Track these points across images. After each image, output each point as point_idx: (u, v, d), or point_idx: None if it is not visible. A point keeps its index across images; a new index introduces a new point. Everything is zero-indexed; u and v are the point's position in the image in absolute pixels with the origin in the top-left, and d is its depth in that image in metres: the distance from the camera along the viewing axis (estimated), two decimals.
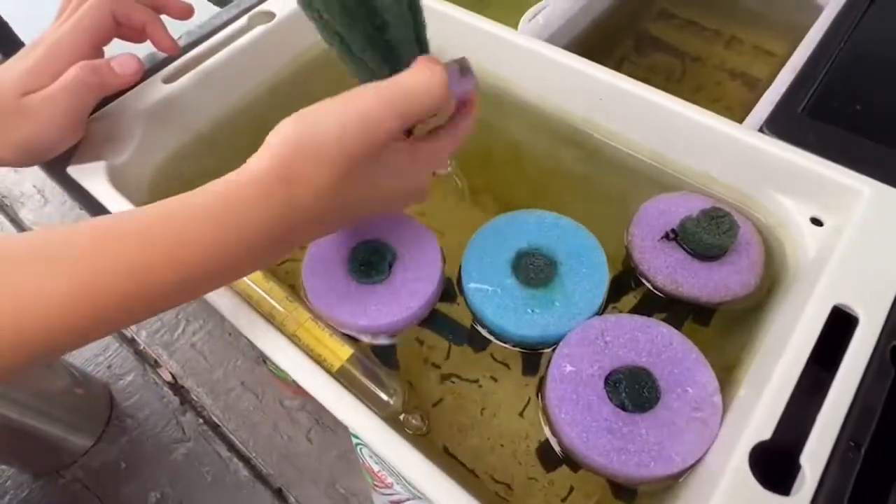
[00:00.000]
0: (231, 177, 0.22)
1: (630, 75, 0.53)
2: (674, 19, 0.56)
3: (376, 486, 0.36)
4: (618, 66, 0.53)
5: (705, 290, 0.28)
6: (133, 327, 0.51)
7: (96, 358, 0.51)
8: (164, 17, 0.34)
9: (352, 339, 0.29)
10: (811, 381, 0.22)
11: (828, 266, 0.25)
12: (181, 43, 0.37)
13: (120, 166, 0.31)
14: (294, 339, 0.27)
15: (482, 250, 0.30)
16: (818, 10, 0.49)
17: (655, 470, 0.22)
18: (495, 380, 0.31)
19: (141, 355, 0.51)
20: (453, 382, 0.30)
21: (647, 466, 0.22)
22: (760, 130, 0.30)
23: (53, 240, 0.20)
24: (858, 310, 0.23)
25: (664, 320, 0.27)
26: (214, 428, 0.46)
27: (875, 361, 0.22)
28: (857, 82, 0.34)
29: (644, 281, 0.30)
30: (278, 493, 0.43)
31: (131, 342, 0.52)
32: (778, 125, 0.29)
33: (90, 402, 0.47)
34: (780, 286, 0.28)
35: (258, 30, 0.37)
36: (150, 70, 0.35)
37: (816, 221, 0.28)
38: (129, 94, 0.34)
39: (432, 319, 0.30)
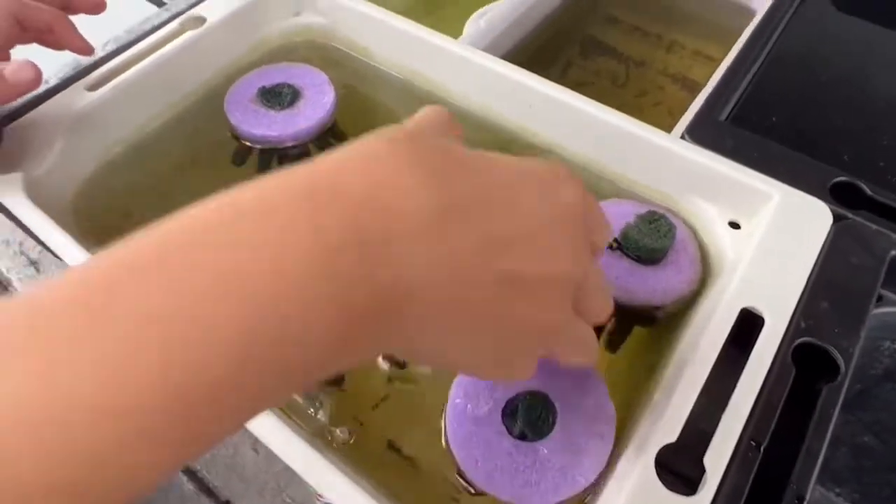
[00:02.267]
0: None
1: (576, 79, 0.54)
2: (618, 24, 0.57)
3: (318, 495, 0.36)
4: (564, 71, 0.54)
5: (656, 293, 0.28)
6: None
7: None
8: (91, 21, 0.33)
9: None
10: (719, 383, 0.22)
11: (739, 269, 0.25)
12: (108, 48, 0.36)
13: (39, 178, 0.31)
14: None
15: None
16: (753, 16, 0.50)
17: (562, 494, 0.22)
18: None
19: None
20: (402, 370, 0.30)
21: (556, 492, 0.22)
22: (682, 137, 0.31)
23: None
24: (764, 311, 0.24)
25: (614, 330, 0.28)
26: None
27: (778, 362, 0.23)
28: (778, 90, 0.35)
29: None
30: None
31: None
32: (698, 132, 0.30)
33: None
34: (702, 288, 0.29)
35: (188, 35, 0.36)
36: (73, 77, 0.34)
37: (734, 225, 0.29)
38: (50, 101, 0.33)
39: None
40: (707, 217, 0.30)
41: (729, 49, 0.52)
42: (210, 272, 0.12)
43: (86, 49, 0.32)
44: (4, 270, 0.56)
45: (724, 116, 0.32)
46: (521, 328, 0.16)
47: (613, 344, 0.29)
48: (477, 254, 0.14)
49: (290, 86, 0.38)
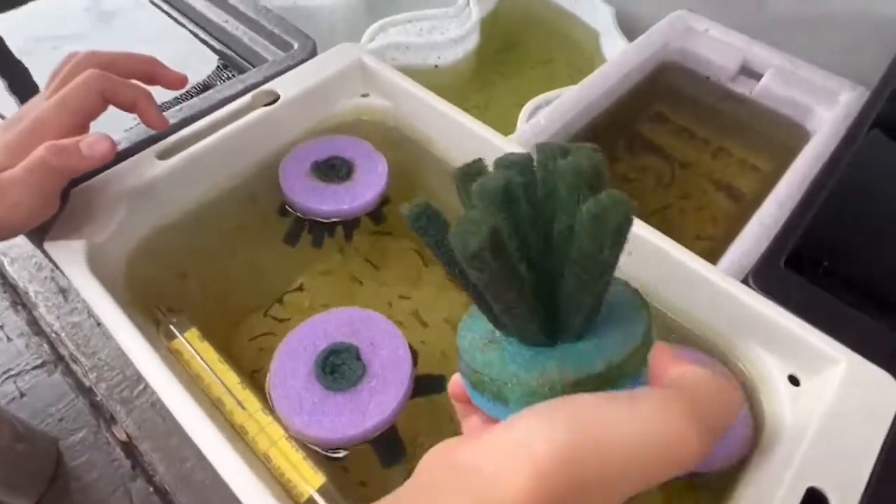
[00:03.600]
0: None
1: (622, 174, 0.55)
2: (667, 123, 0.58)
3: None
4: (610, 165, 0.54)
5: (716, 459, 0.27)
6: (92, 377, 0.49)
7: (48, 408, 0.48)
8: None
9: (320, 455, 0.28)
10: None
11: (804, 438, 0.25)
12: (180, 115, 0.36)
13: (100, 245, 0.30)
14: (265, 459, 0.26)
15: None
16: (806, 136, 0.51)
17: None
18: None
19: (97, 408, 0.48)
20: None
21: None
22: (745, 281, 0.30)
23: None
24: (831, 495, 0.23)
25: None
26: (163, 496, 0.44)
27: None
28: (841, 232, 0.35)
29: None
30: None
31: (88, 392, 0.49)
32: (763, 279, 0.30)
33: (33, 459, 0.44)
34: (757, 443, 0.28)
35: (260, 112, 0.37)
36: (145, 141, 0.35)
37: (794, 380, 0.28)
38: (119, 167, 0.33)
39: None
40: (765, 367, 0.29)
41: (776, 163, 0.53)
42: None
43: (162, 125, 0.32)
44: (32, 294, 0.55)
45: (782, 261, 0.32)
46: None
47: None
48: None
49: (340, 158, 0.38)
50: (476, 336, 0.20)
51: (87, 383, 0.49)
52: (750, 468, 0.26)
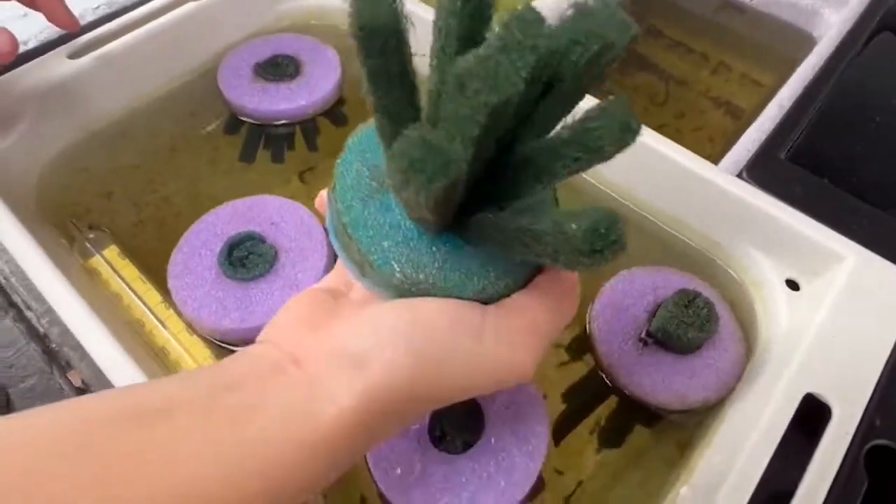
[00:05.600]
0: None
1: (612, 94, 0.50)
2: (661, 38, 0.53)
3: None
4: (598, 84, 0.50)
5: (710, 388, 0.23)
6: (45, 322, 0.46)
7: None
8: None
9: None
10: (777, 486, 0.18)
11: (802, 343, 0.21)
12: (99, 12, 0.32)
13: (1, 151, 0.27)
14: (162, 353, 0.23)
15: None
16: (813, 44, 0.46)
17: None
18: None
19: (50, 355, 0.45)
20: None
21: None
22: (740, 175, 0.27)
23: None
24: (832, 401, 0.20)
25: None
26: None
27: (847, 466, 0.19)
28: (845, 130, 0.31)
29: (628, 393, 0.24)
30: None
31: (42, 339, 0.46)
32: (759, 172, 0.26)
33: None
34: (750, 359, 0.24)
35: (190, 7, 0.32)
36: (55, 41, 0.30)
37: (793, 284, 0.25)
38: (25, 67, 0.29)
39: None
40: (760, 271, 0.26)
41: (780, 76, 0.48)
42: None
43: (69, 24, 0.28)
44: None
45: (783, 154, 0.28)
46: None
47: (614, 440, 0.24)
48: None
49: (283, 55, 0.34)
50: (365, 171, 0.17)
51: (41, 330, 0.47)
52: (740, 383, 0.23)
